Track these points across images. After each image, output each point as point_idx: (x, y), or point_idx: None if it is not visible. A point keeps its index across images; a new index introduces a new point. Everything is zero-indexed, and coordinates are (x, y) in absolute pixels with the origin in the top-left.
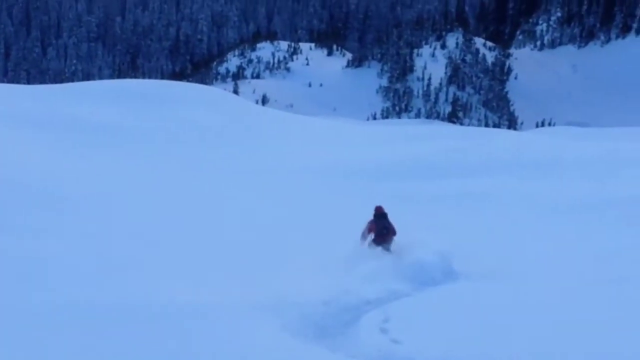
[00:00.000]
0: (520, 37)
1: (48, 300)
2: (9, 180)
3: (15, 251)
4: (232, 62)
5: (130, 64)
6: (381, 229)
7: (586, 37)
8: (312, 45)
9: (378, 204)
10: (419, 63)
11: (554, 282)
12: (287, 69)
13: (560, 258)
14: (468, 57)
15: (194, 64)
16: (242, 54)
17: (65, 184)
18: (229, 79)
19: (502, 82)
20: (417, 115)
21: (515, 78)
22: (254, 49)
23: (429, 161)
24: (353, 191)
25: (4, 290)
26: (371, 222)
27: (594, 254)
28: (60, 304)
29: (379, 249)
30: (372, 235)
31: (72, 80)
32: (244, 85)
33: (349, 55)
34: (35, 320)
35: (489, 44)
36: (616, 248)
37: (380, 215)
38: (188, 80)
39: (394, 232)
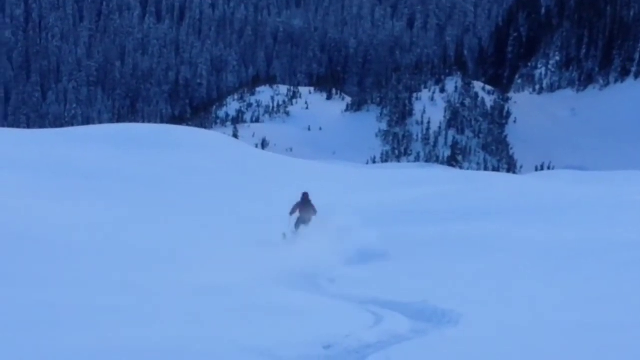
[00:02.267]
0: (519, 81)
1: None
2: (5, 227)
3: (22, 300)
4: (232, 106)
5: (129, 108)
6: (304, 208)
7: (585, 81)
8: (312, 89)
9: (305, 192)
10: (418, 107)
11: (553, 329)
12: (287, 113)
13: (557, 304)
14: (467, 101)
15: (194, 108)
16: (241, 98)
17: (63, 232)
18: (229, 123)
19: (501, 126)
20: (417, 159)
21: (515, 122)
22: (253, 93)
23: (427, 205)
24: (352, 235)
25: (18, 337)
26: (298, 204)
27: (592, 300)
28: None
29: (301, 225)
30: (297, 213)
31: (72, 125)
32: (244, 130)
33: (348, 99)
34: None
35: (488, 87)
36: (615, 294)
37: (305, 200)
38: (187, 124)
39: (314, 212)
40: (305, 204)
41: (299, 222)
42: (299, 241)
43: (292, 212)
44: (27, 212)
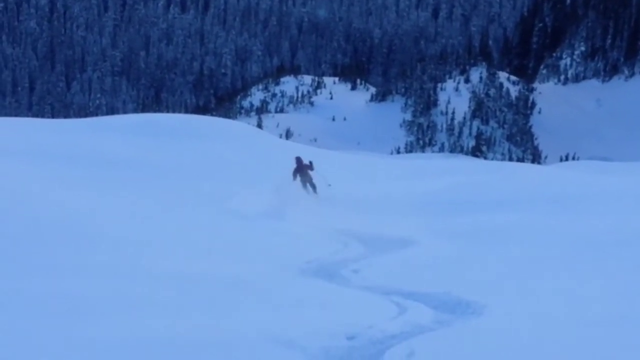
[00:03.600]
0: (544, 71)
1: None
2: (35, 218)
3: (59, 290)
4: (256, 96)
5: (154, 98)
6: (302, 172)
7: (610, 71)
8: (336, 79)
9: (297, 156)
10: (442, 97)
11: (583, 320)
12: (311, 103)
13: (586, 295)
14: (492, 91)
15: (218, 98)
16: (265, 88)
17: (93, 221)
18: (253, 113)
19: (526, 116)
20: (441, 150)
21: (539, 112)
22: (277, 83)
23: (452, 195)
24: (377, 224)
25: (57, 327)
26: (295, 169)
27: (622, 291)
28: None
29: (301, 185)
30: (298, 176)
31: (96, 115)
32: (268, 120)
33: (372, 90)
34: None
35: (513, 78)
36: (638, 285)
37: (299, 164)
38: (212, 115)
39: (312, 168)
40: (300, 168)
41: (303, 184)
42: (326, 230)
43: (294, 178)
44: (53, 201)
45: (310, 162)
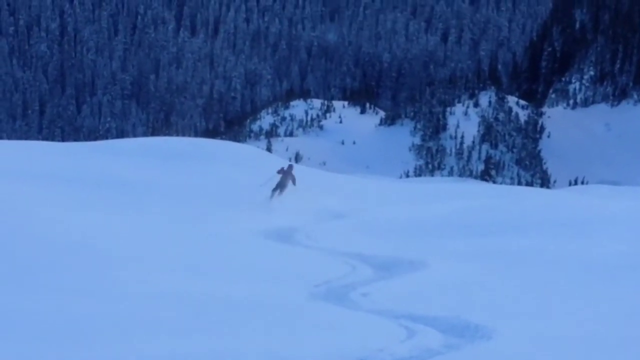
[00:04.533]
0: (553, 95)
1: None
2: (43, 239)
3: (61, 310)
4: (266, 120)
5: (164, 121)
6: (285, 176)
7: (619, 95)
8: (345, 103)
9: (290, 164)
10: (451, 121)
11: (593, 343)
12: (320, 127)
13: (598, 318)
14: (501, 116)
15: (228, 121)
16: (275, 112)
17: (100, 243)
18: (262, 137)
19: (535, 141)
20: (450, 174)
21: (548, 136)
22: (287, 107)
23: (461, 219)
24: (386, 247)
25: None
26: (282, 169)
27: (634, 314)
28: None
29: (278, 190)
30: (279, 177)
31: (106, 138)
32: (277, 143)
33: (382, 113)
34: None
35: (522, 102)
36: None
37: (289, 170)
38: (221, 138)
39: (293, 181)
40: (287, 173)
41: (277, 186)
42: (334, 253)
43: (278, 172)
44: (61, 222)
45: (290, 166)
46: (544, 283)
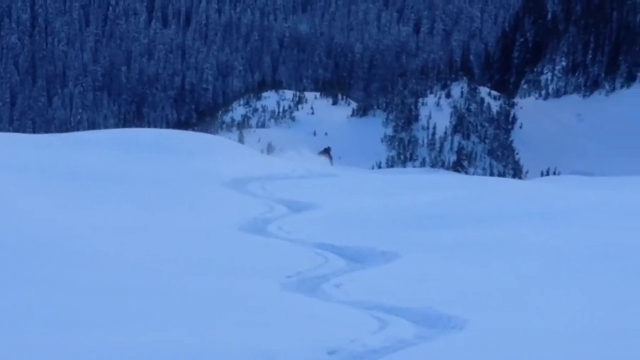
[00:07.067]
0: (525, 86)
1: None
2: (16, 232)
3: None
4: (238, 111)
5: (135, 113)
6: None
7: (591, 86)
8: (318, 94)
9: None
10: (424, 112)
11: (569, 335)
12: (293, 118)
13: (574, 310)
14: (473, 107)
15: (200, 113)
16: (247, 104)
17: (75, 235)
18: (234, 128)
19: (508, 132)
20: (422, 165)
21: (521, 127)
22: (259, 99)
23: (434, 210)
24: (359, 239)
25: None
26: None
27: (610, 305)
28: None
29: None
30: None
31: (78, 130)
32: (250, 135)
33: (354, 105)
34: None
35: (494, 93)
36: (624, 300)
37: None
38: (193, 130)
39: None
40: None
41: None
42: (307, 245)
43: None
44: (34, 214)
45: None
46: (519, 274)
